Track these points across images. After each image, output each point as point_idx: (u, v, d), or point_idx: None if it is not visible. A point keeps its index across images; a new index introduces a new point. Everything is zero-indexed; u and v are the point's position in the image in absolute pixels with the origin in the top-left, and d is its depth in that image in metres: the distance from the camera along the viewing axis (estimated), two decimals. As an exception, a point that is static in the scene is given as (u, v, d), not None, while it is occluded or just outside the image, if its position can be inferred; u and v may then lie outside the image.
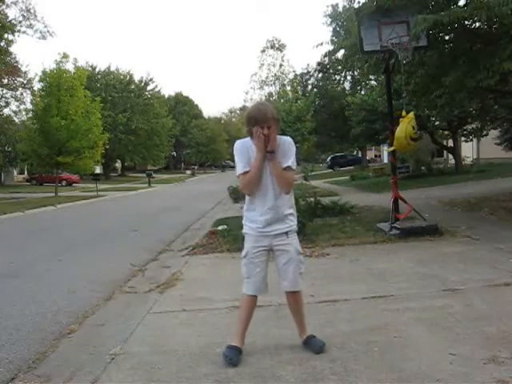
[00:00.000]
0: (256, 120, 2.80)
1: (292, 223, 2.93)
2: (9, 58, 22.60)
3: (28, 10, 22.32)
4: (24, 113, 25.43)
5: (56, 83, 23.27)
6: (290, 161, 2.85)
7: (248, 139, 2.90)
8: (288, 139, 2.95)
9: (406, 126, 6.28)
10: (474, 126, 19.71)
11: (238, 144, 2.93)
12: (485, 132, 20.09)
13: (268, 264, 2.94)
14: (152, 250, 7.20)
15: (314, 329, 3.07)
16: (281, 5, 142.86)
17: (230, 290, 4.22)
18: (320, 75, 39.89)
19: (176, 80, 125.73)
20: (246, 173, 2.83)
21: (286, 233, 2.88)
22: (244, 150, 2.87)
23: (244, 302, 2.99)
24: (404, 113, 6.39)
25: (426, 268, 4.79)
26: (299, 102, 31.46)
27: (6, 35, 21.45)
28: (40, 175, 35.65)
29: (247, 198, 2.96)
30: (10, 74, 22.59)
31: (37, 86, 24.47)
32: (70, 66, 25.25)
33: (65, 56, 24.07)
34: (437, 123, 19.32)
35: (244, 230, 2.99)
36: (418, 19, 6.03)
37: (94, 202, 21.16)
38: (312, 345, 2.92)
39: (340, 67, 31.16)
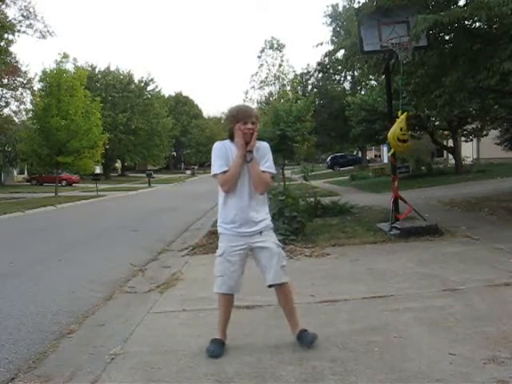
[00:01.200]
0: (240, 116, 2.89)
1: (265, 224, 2.97)
2: (9, 58, 22.64)
3: (28, 10, 22.38)
4: (24, 113, 25.51)
5: (56, 83, 23.25)
6: (268, 164, 2.93)
7: (227, 141, 2.96)
8: (266, 144, 3.03)
9: (395, 127, 6.31)
10: (474, 125, 19.72)
11: (217, 144, 3.00)
12: (485, 132, 20.11)
13: (245, 264, 2.98)
14: (152, 250, 7.21)
15: (314, 329, 3.07)
16: (281, 5, 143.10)
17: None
18: (320, 75, 39.84)
19: (176, 80, 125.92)
20: (223, 172, 2.87)
21: (260, 232, 2.93)
22: (223, 151, 2.93)
23: (220, 302, 3.02)
24: (399, 113, 6.41)
25: (426, 268, 4.79)
26: (299, 102, 31.39)
27: (5, 35, 21.47)
28: (40, 175, 35.66)
29: (222, 197, 2.97)
30: (10, 73, 22.61)
31: (37, 85, 24.57)
32: (69, 66, 25.30)
33: (65, 56, 24.10)
34: (437, 123, 19.31)
35: (219, 231, 3.02)
36: (418, 19, 6.02)
37: (94, 201, 21.14)
38: (304, 338, 2.94)
39: (340, 67, 31.16)
